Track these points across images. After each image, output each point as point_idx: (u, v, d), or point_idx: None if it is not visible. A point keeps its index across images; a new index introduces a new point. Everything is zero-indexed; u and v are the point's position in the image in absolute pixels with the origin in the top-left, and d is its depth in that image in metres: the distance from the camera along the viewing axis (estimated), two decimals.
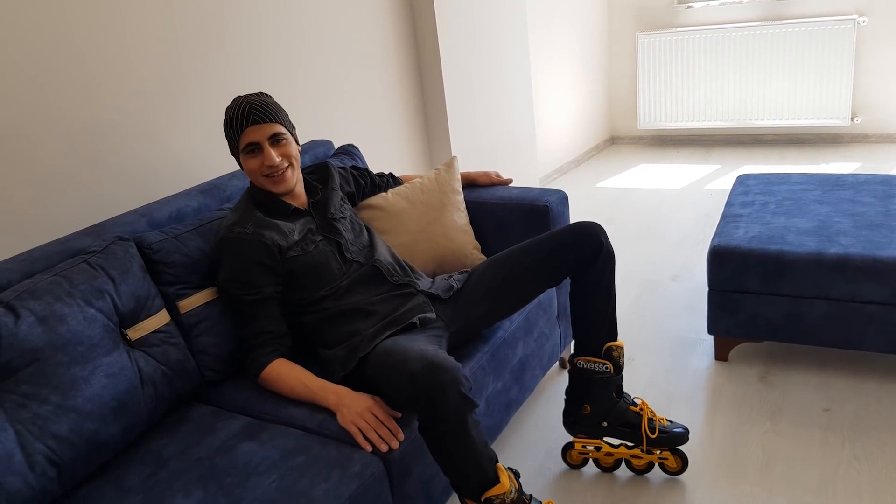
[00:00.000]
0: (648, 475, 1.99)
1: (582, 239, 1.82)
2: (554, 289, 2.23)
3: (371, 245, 1.88)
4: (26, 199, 1.83)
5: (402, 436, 1.52)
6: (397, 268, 1.87)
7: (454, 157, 2.31)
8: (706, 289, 2.98)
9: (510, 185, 2.39)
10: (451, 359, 1.44)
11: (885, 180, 2.68)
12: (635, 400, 1.94)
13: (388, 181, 2.26)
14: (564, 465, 2.06)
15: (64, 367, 1.43)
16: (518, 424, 2.27)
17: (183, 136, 2.21)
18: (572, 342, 2.39)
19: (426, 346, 1.53)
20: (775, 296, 2.26)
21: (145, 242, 1.72)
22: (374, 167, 3.04)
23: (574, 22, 4.91)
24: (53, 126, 1.88)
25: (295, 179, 1.80)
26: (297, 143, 1.83)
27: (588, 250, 1.82)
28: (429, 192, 2.20)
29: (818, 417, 2.13)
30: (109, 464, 1.51)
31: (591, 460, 2.04)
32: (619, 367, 1.88)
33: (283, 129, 1.75)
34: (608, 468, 2.01)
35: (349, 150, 2.40)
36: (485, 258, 2.17)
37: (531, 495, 1.57)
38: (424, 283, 1.89)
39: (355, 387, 1.64)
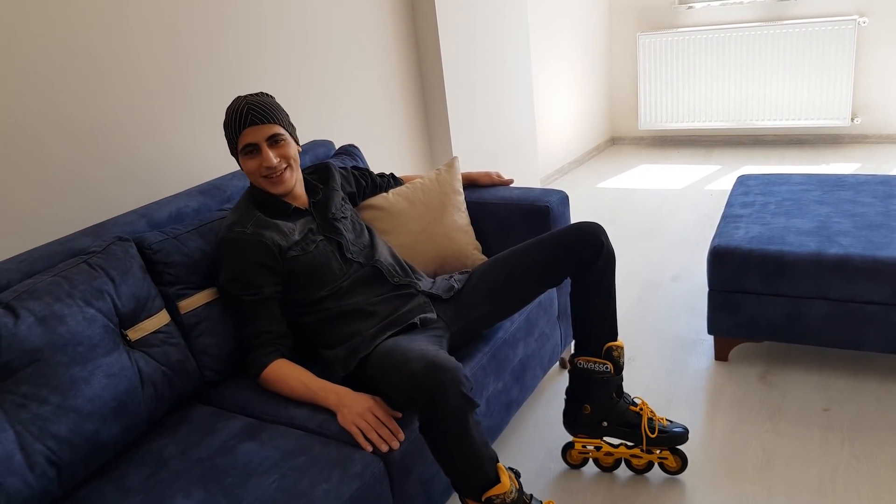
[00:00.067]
0: (648, 475, 1.99)
1: (583, 239, 1.82)
2: (554, 289, 2.23)
3: (372, 245, 1.88)
4: (30, 199, 1.83)
5: (402, 436, 1.52)
6: (398, 268, 1.87)
7: (455, 157, 2.32)
8: (706, 289, 2.97)
9: (511, 185, 2.39)
10: (452, 359, 1.44)
11: (885, 181, 2.68)
12: (635, 400, 1.94)
13: (389, 181, 2.26)
14: (564, 465, 2.06)
15: (64, 367, 1.43)
16: (518, 424, 2.27)
17: (187, 136, 2.22)
18: (573, 342, 2.39)
19: (427, 346, 1.53)
20: (775, 296, 2.26)
21: (145, 243, 1.72)
22: (375, 167, 3.05)
23: (575, 22, 4.91)
24: (59, 126, 1.88)
25: (294, 180, 1.80)
26: (297, 143, 1.83)
27: (589, 250, 1.82)
28: (430, 192, 2.20)
29: (818, 417, 2.13)
30: (110, 464, 1.51)
31: (591, 460, 2.04)
32: (619, 367, 1.88)
33: (282, 130, 1.75)
34: (608, 468, 2.01)
35: (350, 151, 2.40)
36: (485, 258, 2.17)
37: (531, 495, 1.57)
38: (425, 284, 1.89)
39: (356, 387, 1.64)
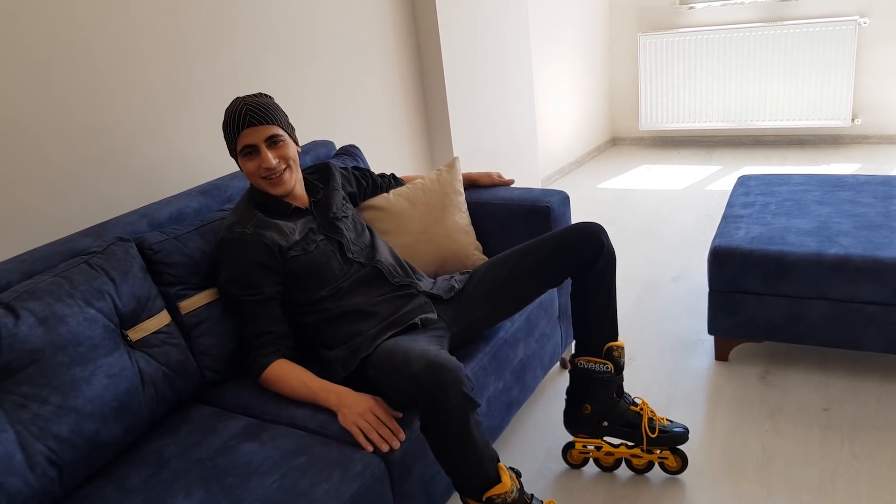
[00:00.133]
0: (648, 474, 1.99)
1: (583, 239, 1.82)
2: (555, 289, 2.23)
3: (372, 245, 1.88)
4: (31, 199, 1.84)
5: (403, 436, 1.52)
6: (398, 269, 1.87)
7: (456, 157, 2.32)
8: (707, 289, 2.98)
9: (512, 185, 2.39)
10: (453, 359, 1.44)
11: (886, 181, 2.68)
12: (636, 400, 1.94)
13: (390, 182, 2.26)
14: (565, 465, 2.06)
15: (64, 367, 1.43)
16: (519, 424, 2.27)
17: (188, 136, 2.22)
18: (573, 342, 2.39)
19: (428, 346, 1.53)
20: (775, 296, 2.26)
21: (146, 243, 1.73)
22: (376, 168, 3.05)
23: (575, 23, 4.91)
24: (60, 126, 1.88)
25: (293, 181, 1.80)
26: (297, 143, 1.83)
27: (589, 251, 1.82)
28: (430, 192, 2.20)
29: (818, 417, 2.13)
30: (110, 464, 1.51)
31: (591, 460, 2.04)
32: (619, 367, 1.88)
33: (281, 131, 1.75)
34: (608, 468, 2.01)
35: (351, 151, 2.40)
36: (486, 259, 2.17)
37: (532, 495, 1.57)
38: (426, 284, 1.89)
39: (356, 387, 1.64)
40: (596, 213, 4.18)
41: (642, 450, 1.94)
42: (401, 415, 1.56)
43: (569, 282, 2.18)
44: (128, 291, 1.61)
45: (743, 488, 1.89)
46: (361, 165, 2.38)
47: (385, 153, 3.09)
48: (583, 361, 1.89)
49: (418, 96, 3.26)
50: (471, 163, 3.45)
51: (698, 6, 5.00)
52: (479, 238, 2.30)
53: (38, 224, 1.86)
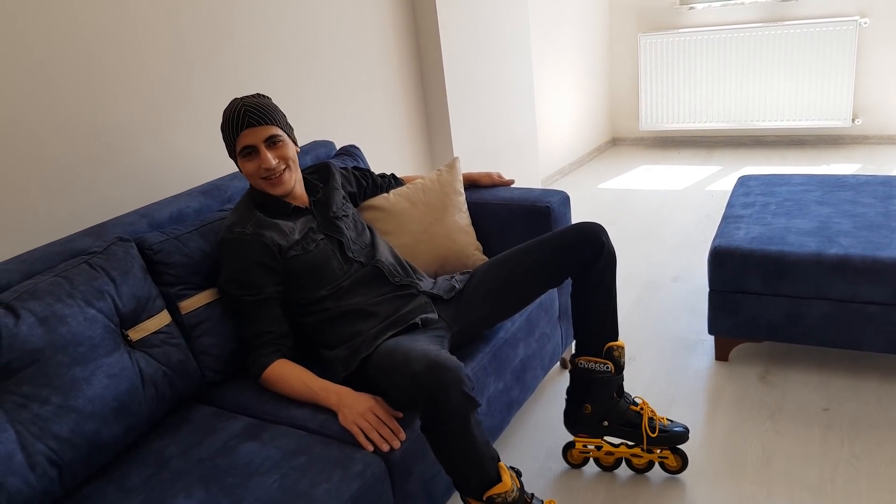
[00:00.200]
0: (649, 474, 1.99)
1: (583, 239, 1.82)
2: (555, 289, 2.23)
3: (373, 245, 1.89)
4: (31, 199, 1.84)
5: (403, 435, 1.52)
6: (399, 268, 1.87)
7: (456, 157, 2.32)
8: (707, 289, 2.98)
9: (512, 185, 2.39)
10: (454, 358, 1.44)
11: (886, 181, 2.69)
12: (636, 399, 1.94)
13: (390, 182, 2.26)
14: (565, 465, 2.06)
15: (65, 367, 1.43)
16: (519, 424, 2.27)
17: (188, 136, 2.22)
18: (573, 342, 2.39)
19: (428, 346, 1.53)
20: (775, 296, 2.26)
21: (146, 243, 1.73)
22: (376, 168, 3.05)
23: (576, 23, 4.91)
24: (60, 126, 1.88)
25: (293, 181, 1.80)
26: (296, 143, 1.83)
27: (590, 251, 1.82)
28: (431, 192, 2.20)
29: (818, 416, 2.13)
30: (111, 464, 1.51)
31: (591, 459, 2.04)
32: (619, 367, 1.88)
33: (280, 131, 1.75)
34: (609, 467, 2.01)
35: (351, 151, 2.40)
36: (486, 259, 2.17)
37: (532, 494, 1.57)
38: (426, 284, 1.89)
39: (357, 387, 1.64)
40: (596, 213, 4.18)
41: (642, 449, 1.94)
42: (401, 414, 1.56)
43: (569, 282, 2.19)
44: (128, 291, 1.61)
45: (743, 488, 1.89)
46: (361, 165, 2.38)
47: (385, 153, 3.10)
48: (583, 361, 1.89)
49: (418, 96, 3.26)
50: (471, 163, 3.45)
51: (698, 6, 5.00)
52: (479, 238, 2.30)
53: (38, 224, 1.86)
